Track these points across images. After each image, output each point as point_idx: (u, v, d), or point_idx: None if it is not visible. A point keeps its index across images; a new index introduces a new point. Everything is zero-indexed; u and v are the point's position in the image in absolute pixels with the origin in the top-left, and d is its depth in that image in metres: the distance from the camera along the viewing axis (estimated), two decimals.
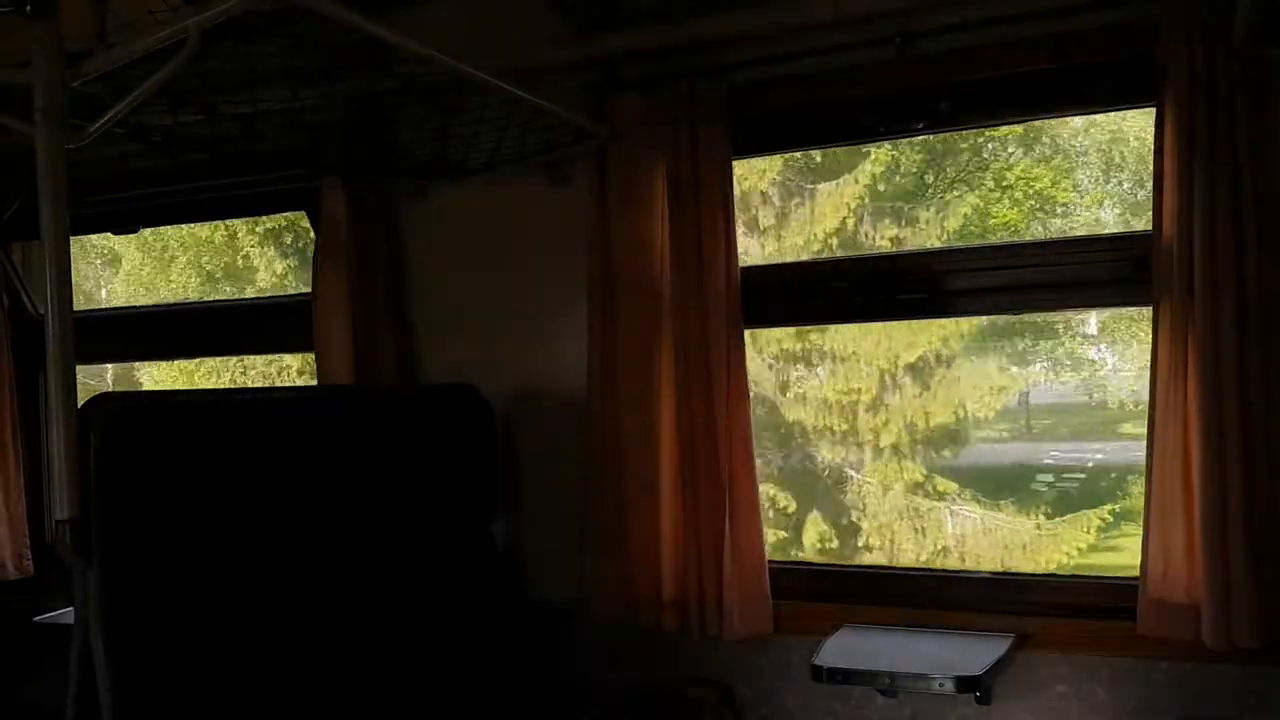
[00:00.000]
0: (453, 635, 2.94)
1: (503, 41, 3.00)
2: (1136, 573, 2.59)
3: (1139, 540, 2.55)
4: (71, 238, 2.08)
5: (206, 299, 4.02)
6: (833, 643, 2.81)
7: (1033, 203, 6.33)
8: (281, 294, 3.86)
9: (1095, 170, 6.40)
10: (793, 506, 6.52)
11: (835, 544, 6.34)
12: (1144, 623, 2.56)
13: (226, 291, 7.17)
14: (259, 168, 3.32)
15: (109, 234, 3.93)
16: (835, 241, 5.98)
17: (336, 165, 3.21)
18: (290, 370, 6.49)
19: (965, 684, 2.53)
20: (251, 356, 5.38)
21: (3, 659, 4.00)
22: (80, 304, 4.36)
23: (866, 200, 6.07)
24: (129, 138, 2.61)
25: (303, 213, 3.65)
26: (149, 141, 2.64)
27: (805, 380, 6.33)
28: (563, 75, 3.00)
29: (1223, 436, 2.40)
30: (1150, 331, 2.56)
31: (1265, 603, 2.41)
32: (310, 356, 3.65)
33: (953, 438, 6.68)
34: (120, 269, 8.93)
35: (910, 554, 6.05)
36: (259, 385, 4.20)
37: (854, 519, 6.45)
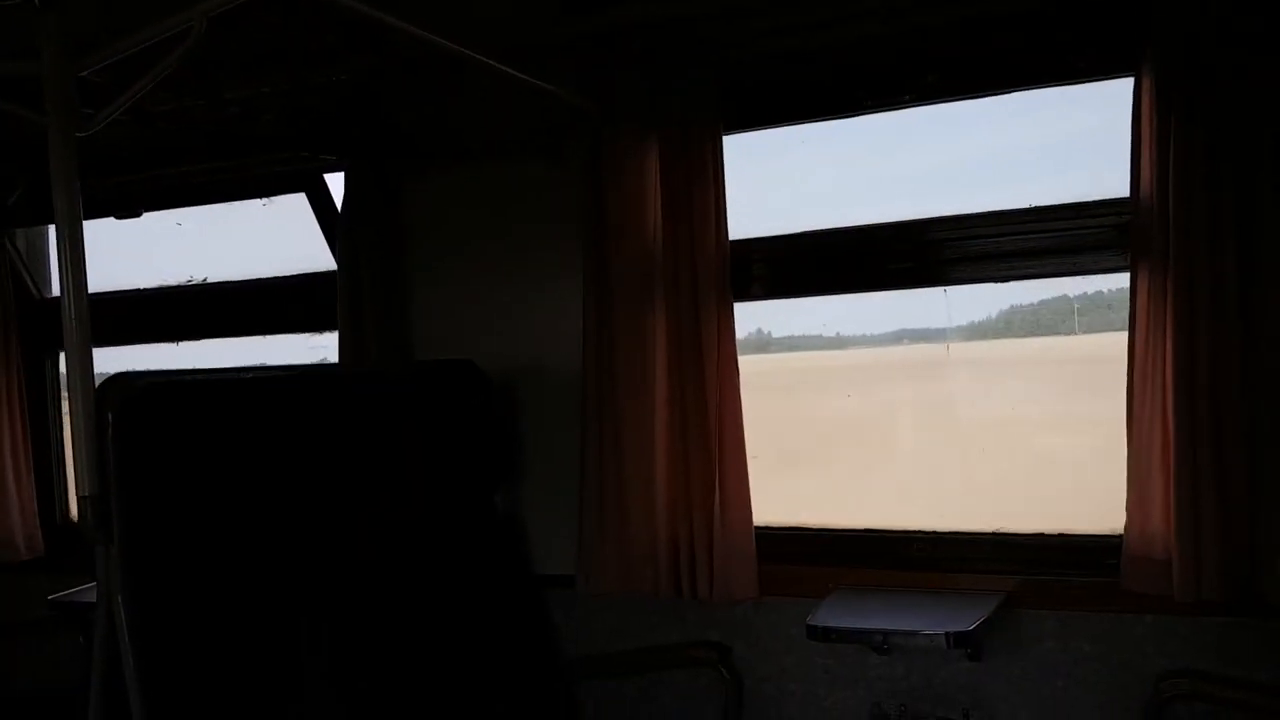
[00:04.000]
0: (458, 604, 3.02)
1: (498, 20, 3.04)
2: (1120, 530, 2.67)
3: None
4: None
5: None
6: (828, 603, 2.90)
7: None
8: (292, 274, 3.89)
9: None
10: None
11: None
12: (1127, 578, 2.64)
13: None
14: (261, 150, 3.36)
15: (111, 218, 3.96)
16: None
17: (337, 147, 3.26)
18: None
19: (956, 640, 2.61)
20: None
21: (19, 636, 4.07)
22: None
23: None
24: (135, 123, 2.66)
25: None
26: (154, 127, 2.68)
27: None
28: (557, 53, 3.04)
29: (1195, 398, 2.47)
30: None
31: (1231, 558, 2.48)
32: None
33: None
34: None
35: None
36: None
37: None
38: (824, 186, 3.56)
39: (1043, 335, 3.48)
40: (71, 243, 2.07)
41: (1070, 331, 3.41)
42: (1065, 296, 3.29)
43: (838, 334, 3.80)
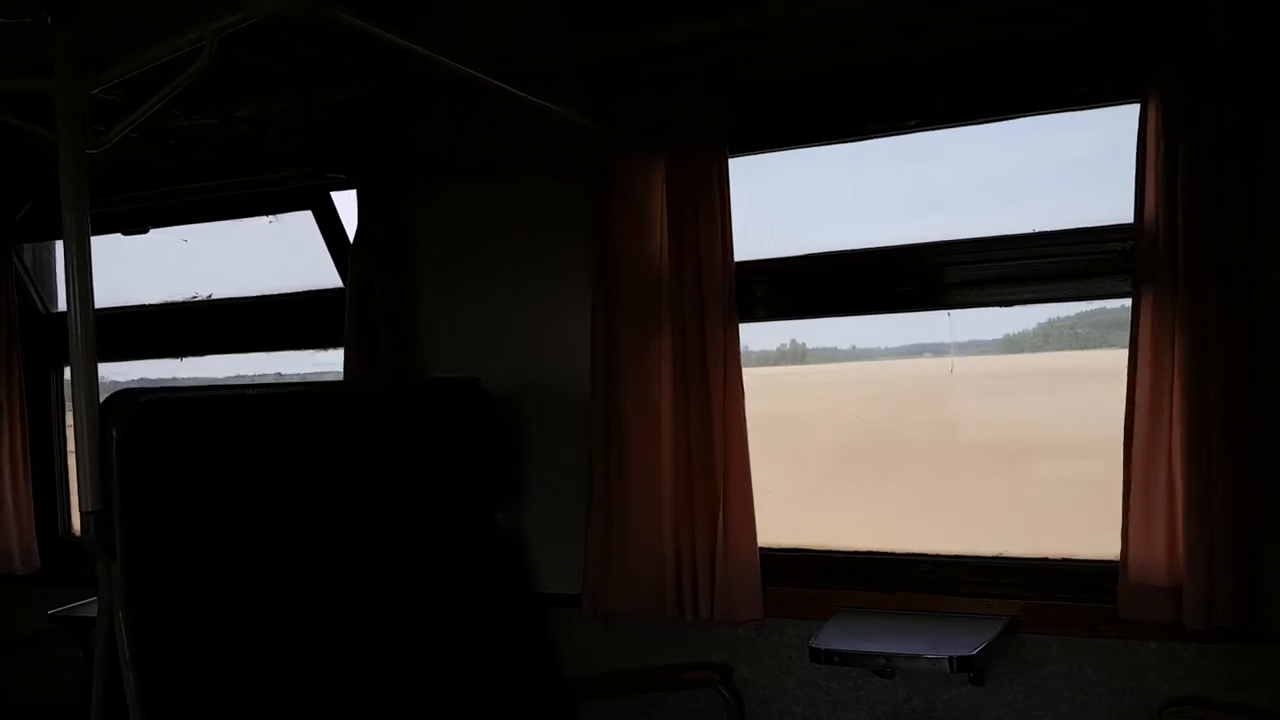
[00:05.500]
0: (459, 623, 3.02)
1: (508, 43, 3.06)
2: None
3: None
4: None
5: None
6: (830, 625, 2.89)
7: None
8: (296, 290, 3.93)
9: None
10: None
11: None
12: (1124, 606, 2.63)
13: None
14: (269, 168, 3.38)
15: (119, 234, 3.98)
16: None
17: (345, 165, 3.27)
18: None
19: (959, 664, 2.60)
20: None
21: (18, 651, 4.06)
22: None
23: None
24: (145, 141, 2.68)
25: None
26: (164, 144, 2.70)
27: None
28: (566, 75, 3.06)
29: (1206, 424, 2.47)
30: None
31: (1244, 584, 2.48)
32: None
33: None
34: None
35: None
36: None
37: None
38: (829, 207, 3.58)
39: (1080, 349, 3.46)
40: (79, 259, 2.08)
41: (1111, 345, 3.37)
42: (1104, 309, 3.27)
43: (853, 346, 3.79)
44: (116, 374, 4.24)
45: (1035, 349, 3.52)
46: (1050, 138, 3.06)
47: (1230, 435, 2.46)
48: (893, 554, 3.10)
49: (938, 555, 3.04)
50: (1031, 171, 3.35)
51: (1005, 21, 2.71)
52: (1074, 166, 3.25)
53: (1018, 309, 3.06)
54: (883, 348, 3.73)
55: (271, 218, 3.82)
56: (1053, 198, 3.14)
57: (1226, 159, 2.47)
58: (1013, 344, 3.47)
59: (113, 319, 3.93)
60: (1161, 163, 2.53)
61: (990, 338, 3.41)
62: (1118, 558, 2.66)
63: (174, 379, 4.25)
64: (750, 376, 3.04)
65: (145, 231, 3.95)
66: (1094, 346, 3.42)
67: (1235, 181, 2.47)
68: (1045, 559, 2.92)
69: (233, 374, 4.22)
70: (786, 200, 3.50)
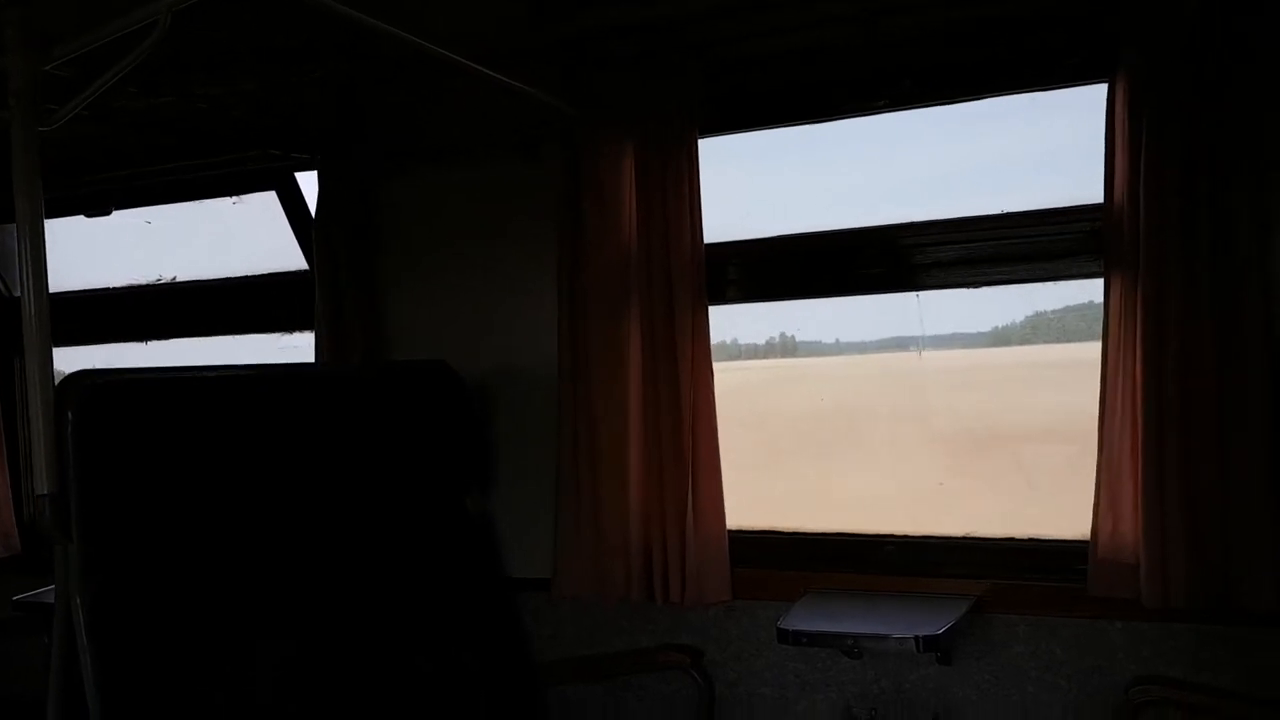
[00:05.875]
0: (428, 608, 3.00)
1: (476, 20, 3.02)
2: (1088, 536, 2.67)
3: None
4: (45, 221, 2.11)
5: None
6: (799, 607, 2.89)
7: None
8: (262, 272, 3.90)
9: None
10: None
11: None
12: (1094, 584, 2.64)
13: None
14: (231, 148, 3.34)
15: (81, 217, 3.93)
16: None
17: (309, 145, 3.24)
18: None
19: (926, 644, 2.61)
20: None
21: None
22: None
23: None
24: (100, 120, 2.64)
25: None
26: (120, 123, 2.66)
27: None
28: (536, 55, 3.03)
29: (1163, 405, 2.48)
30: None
31: (1197, 564, 2.49)
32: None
33: None
34: None
35: None
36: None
37: None
38: (804, 192, 3.57)
39: (1068, 341, 3.46)
40: (32, 240, 2.05)
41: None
42: (1091, 303, 3.27)
43: (837, 340, 3.79)
44: (101, 361, 4.22)
45: (1023, 341, 3.54)
46: (1020, 123, 3.07)
47: (1187, 417, 2.47)
48: (860, 535, 3.11)
49: (904, 536, 3.04)
50: (1000, 159, 3.36)
51: (975, 2, 2.70)
52: (1044, 154, 3.26)
53: (1006, 305, 3.06)
54: (868, 340, 3.73)
55: (235, 199, 3.78)
56: (1021, 184, 3.14)
57: (1194, 138, 2.47)
58: (1000, 337, 3.48)
59: (75, 302, 3.92)
60: (1128, 144, 2.54)
61: (978, 330, 3.42)
62: (1083, 538, 2.67)
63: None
64: (751, 370, 3.02)
65: (108, 214, 3.90)
66: (1080, 339, 3.44)
67: (1202, 161, 2.47)
68: (1012, 539, 2.93)
69: (222, 360, 4.18)
70: (739, 185, 3.49)
